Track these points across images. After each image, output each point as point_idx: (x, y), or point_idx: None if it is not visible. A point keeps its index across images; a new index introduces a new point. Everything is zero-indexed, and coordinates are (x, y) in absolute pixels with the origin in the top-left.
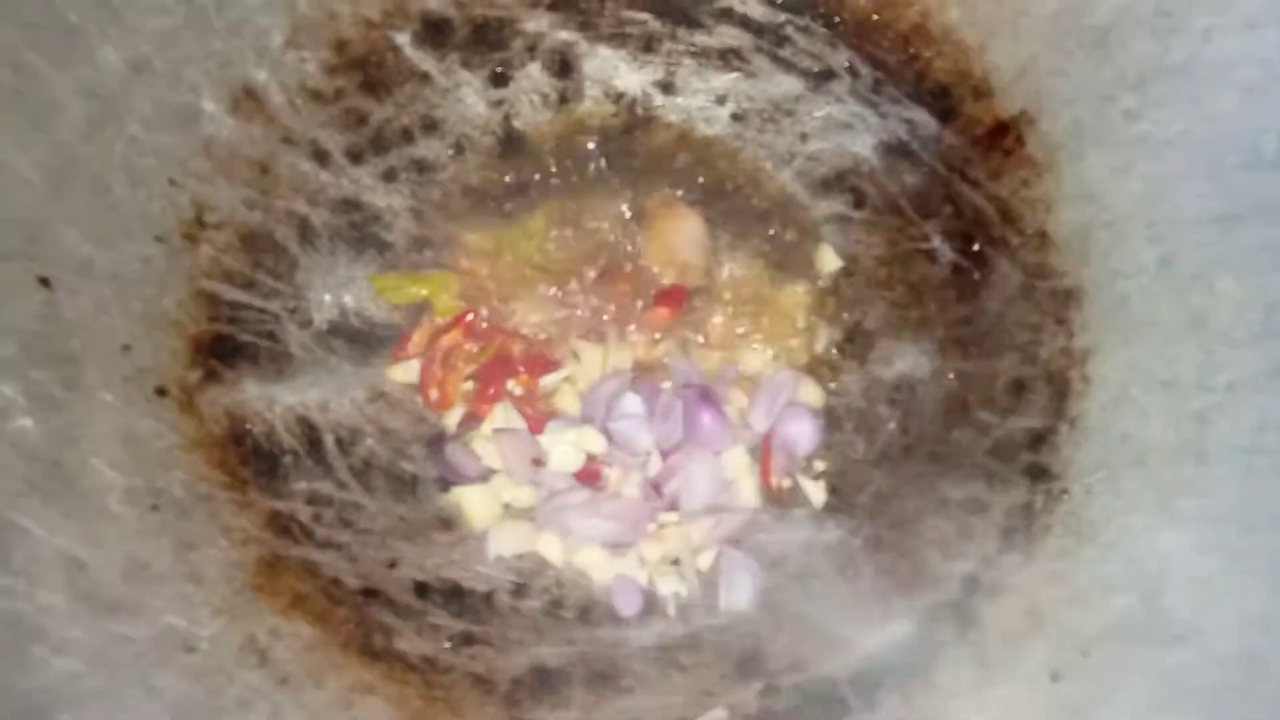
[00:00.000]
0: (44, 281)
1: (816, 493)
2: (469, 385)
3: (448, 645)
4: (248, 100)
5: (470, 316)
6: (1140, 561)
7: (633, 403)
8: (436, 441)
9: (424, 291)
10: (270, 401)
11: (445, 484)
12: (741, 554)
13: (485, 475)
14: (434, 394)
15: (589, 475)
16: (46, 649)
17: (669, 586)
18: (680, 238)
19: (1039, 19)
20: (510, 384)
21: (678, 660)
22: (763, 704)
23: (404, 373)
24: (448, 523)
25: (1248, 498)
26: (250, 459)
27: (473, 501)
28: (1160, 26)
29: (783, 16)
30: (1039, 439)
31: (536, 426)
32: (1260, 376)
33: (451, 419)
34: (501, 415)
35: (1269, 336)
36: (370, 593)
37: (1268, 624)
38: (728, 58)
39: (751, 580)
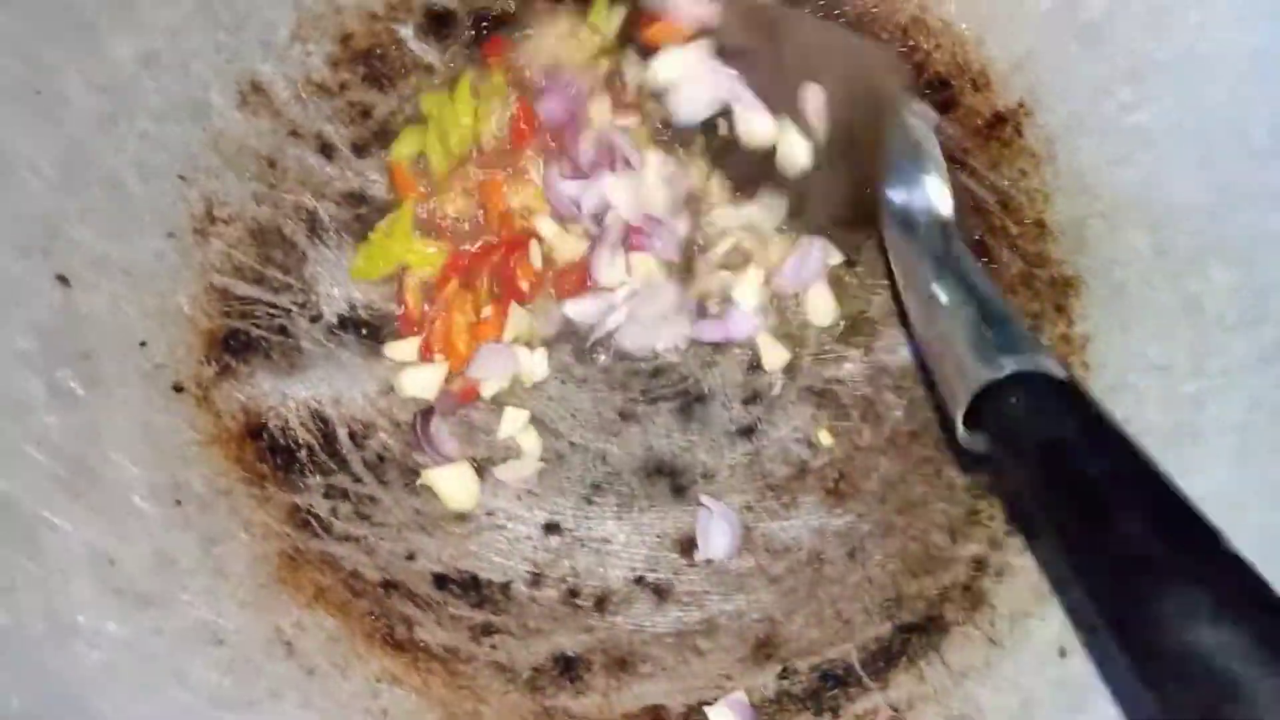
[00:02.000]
0: (62, 279)
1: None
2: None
3: (468, 635)
4: (254, 94)
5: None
6: None
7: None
8: (424, 417)
9: (396, 248)
10: (284, 396)
11: None
12: (721, 505)
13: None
14: (438, 355)
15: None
16: (82, 641)
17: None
18: None
19: (1034, 13)
20: (521, 283)
21: (695, 645)
22: (780, 686)
23: (401, 351)
24: (462, 515)
25: (1237, 477)
26: (267, 454)
27: (447, 483)
28: (1153, 21)
29: None
30: None
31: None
32: (1251, 360)
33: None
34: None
35: (1260, 321)
36: (390, 585)
37: None
38: None
39: (730, 529)
